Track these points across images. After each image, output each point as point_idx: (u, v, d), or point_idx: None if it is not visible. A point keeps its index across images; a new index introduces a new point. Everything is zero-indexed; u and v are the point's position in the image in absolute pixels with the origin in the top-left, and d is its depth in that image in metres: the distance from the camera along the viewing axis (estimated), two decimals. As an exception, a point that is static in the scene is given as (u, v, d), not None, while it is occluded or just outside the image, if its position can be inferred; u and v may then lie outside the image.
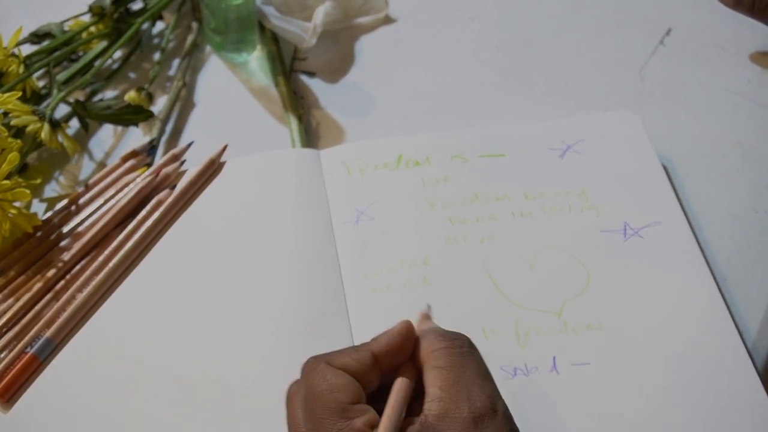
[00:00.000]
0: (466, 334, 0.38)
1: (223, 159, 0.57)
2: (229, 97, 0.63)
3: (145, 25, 0.65)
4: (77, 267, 0.52)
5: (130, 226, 0.53)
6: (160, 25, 0.68)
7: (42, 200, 0.57)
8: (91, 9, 0.63)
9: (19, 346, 0.48)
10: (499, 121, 0.61)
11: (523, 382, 0.47)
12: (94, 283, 0.50)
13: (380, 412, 0.35)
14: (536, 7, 0.69)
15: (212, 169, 0.56)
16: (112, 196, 0.55)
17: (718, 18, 0.67)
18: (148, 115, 0.59)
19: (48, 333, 0.48)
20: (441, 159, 0.57)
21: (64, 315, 0.49)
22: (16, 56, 0.58)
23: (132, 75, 0.65)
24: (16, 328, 0.49)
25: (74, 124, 0.60)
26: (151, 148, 0.58)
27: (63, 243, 0.53)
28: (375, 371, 0.37)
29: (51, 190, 0.58)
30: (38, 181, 0.56)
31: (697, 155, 0.59)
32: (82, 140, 0.60)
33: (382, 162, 0.57)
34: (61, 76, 0.60)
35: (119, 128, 0.61)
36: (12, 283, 0.51)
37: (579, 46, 0.66)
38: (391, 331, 0.38)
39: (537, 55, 0.66)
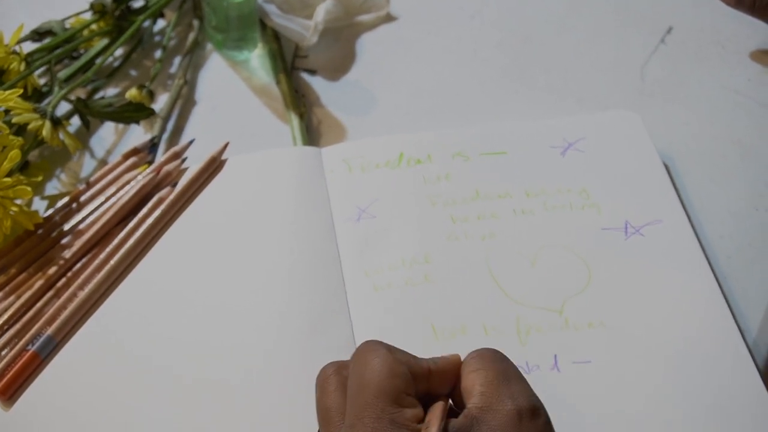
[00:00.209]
0: None
1: (224, 157, 0.57)
2: (230, 94, 0.63)
3: (147, 23, 0.65)
4: (78, 265, 0.52)
5: (132, 224, 0.53)
6: (161, 23, 0.68)
7: (43, 198, 0.57)
8: (92, 6, 0.63)
9: (21, 343, 0.48)
10: (500, 119, 0.61)
11: (524, 380, 0.47)
12: (95, 280, 0.50)
13: None
14: (537, 6, 0.69)
15: (213, 166, 0.56)
16: (114, 194, 0.55)
17: (719, 16, 0.67)
18: (150, 113, 0.59)
19: (49, 331, 0.48)
20: (442, 157, 0.57)
21: (66, 313, 0.49)
22: (18, 54, 0.58)
23: (133, 73, 0.65)
24: (18, 326, 0.49)
25: (75, 121, 0.60)
26: (152, 146, 0.58)
27: (64, 241, 0.53)
28: (423, 384, 0.36)
29: (52, 187, 0.58)
30: (39, 178, 0.56)
31: (697, 153, 0.59)
32: (83, 138, 0.60)
33: (384, 160, 0.57)
34: (63, 74, 0.60)
35: (120, 126, 0.61)
36: (13, 280, 0.51)
37: (580, 45, 0.67)
38: (445, 356, 0.37)
39: (538, 53, 0.66)
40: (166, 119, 0.60)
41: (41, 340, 0.48)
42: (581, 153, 0.57)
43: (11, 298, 0.50)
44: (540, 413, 0.34)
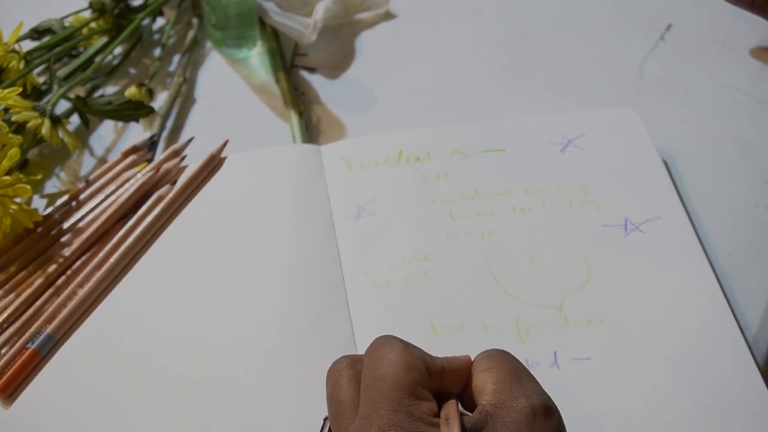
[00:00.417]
0: None
1: (223, 154, 0.57)
2: (229, 92, 0.64)
3: (146, 21, 0.65)
4: (78, 263, 0.52)
5: (131, 222, 0.53)
6: (160, 21, 0.68)
7: (43, 196, 0.57)
8: (91, 5, 0.63)
9: (20, 341, 0.48)
10: (499, 117, 0.61)
11: (523, 377, 0.47)
12: (95, 278, 0.50)
13: None
14: (536, 3, 0.69)
15: (213, 164, 0.56)
16: (113, 192, 0.55)
17: (718, 14, 0.67)
18: (149, 111, 0.59)
19: (49, 329, 0.48)
20: (441, 154, 0.57)
21: (65, 311, 0.49)
22: (17, 52, 0.58)
23: (132, 71, 0.65)
24: (17, 324, 0.49)
25: (75, 120, 0.60)
26: (151, 144, 0.58)
27: (64, 239, 0.53)
28: (436, 381, 0.36)
29: (52, 185, 0.58)
30: (39, 176, 0.56)
31: (696, 151, 0.59)
32: (82, 136, 0.60)
33: (383, 157, 0.57)
34: (62, 72, 0.60)
35: (120, 124, 0.61)
36: (13, 278, 0.51)
37: (579, 42, 0.67)
38: (457, 356, 0.37)
39: (537, 50, 0.66)
40: (165, 117, 0.60)
41: (41, 338, 0.48)
42: (580, 150, 0.57)
43: (11, 296, 0.50)
44: (553, 412, 0.34)
